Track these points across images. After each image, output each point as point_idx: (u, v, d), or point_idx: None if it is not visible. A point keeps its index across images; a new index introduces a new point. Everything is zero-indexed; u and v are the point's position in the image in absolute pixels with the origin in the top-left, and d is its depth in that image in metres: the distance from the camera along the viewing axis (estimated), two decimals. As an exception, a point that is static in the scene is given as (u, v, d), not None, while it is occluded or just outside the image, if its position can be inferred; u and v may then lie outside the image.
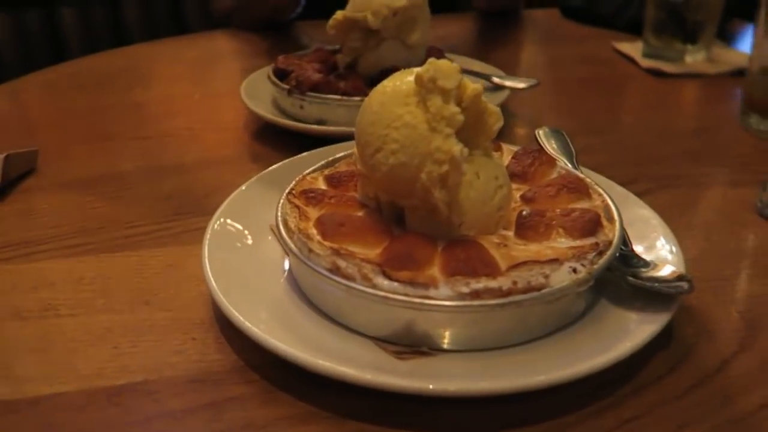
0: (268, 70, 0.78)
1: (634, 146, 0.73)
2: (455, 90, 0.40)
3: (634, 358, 0.39)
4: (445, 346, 0.38)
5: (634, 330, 0.38)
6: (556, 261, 0.38)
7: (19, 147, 0.64)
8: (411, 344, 0.38)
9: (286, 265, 0.45)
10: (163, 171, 0.67)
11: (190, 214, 0.57)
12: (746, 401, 0.37)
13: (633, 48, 1.05)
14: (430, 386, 0.34)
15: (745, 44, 1.05)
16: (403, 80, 0.42)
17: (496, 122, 0.43)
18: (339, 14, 0.74)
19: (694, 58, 0.99)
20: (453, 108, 0.39)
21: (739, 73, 0.93)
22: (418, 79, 0.40)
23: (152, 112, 0.83)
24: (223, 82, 0.92)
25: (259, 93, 0.77)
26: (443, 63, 0.40)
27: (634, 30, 1.13)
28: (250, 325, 0.38)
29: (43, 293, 0.47)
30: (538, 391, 0.35)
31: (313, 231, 0.41)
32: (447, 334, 0.37)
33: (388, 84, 0.42)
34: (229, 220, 0.49)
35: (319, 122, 0.71)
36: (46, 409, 0.37)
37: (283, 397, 0.37)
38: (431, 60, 0.40)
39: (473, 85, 0.41)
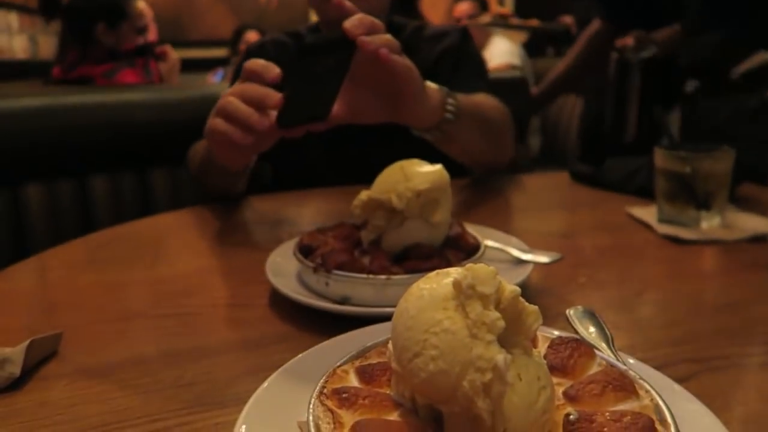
0: (292, 244, 0.80)
1: (664, 324, 0.71)
2: (494, 294, 0.39)
3: None
4: None
5: None
6: (615, 481, 0.35)
7: (40, 324, 0.64)
8: None
9: (317, 476, 0.42)
10: (186, 354, 0.65)
11: (211, 406, 0.55)
12: None
13: (647, 213, 1.07)
14: None
15: (758, 207, 1.07)
16: (440, 283, 0.41)
17: (535, 321, 0.42)
18: (364, 194, 0.76)
19: (710, 224, 1.01)
20: (493, 314, 0.39)
21: (756, 239, 0.94)
22: (456, 285, 0.40)
23: (175, 288, 0.84)
24: (248, 254, 0.93)
25: (283, 269, 0.78)
26: (480, 268, 0.40)
27: (644, 194, 1.16)
28: None
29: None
30: None
31: (350, 443, 0.39)
32: None
33: (424, 287, 0.42)
34: (253, 427, 0.46)
35: (344, 299, 0.71)
36: None
37: None
38: (469, 266, 0.40)
39: (510, 287, 0.41)
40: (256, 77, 0.91)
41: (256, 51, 1.38)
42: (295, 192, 1.26)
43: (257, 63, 0.91)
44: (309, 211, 1.19)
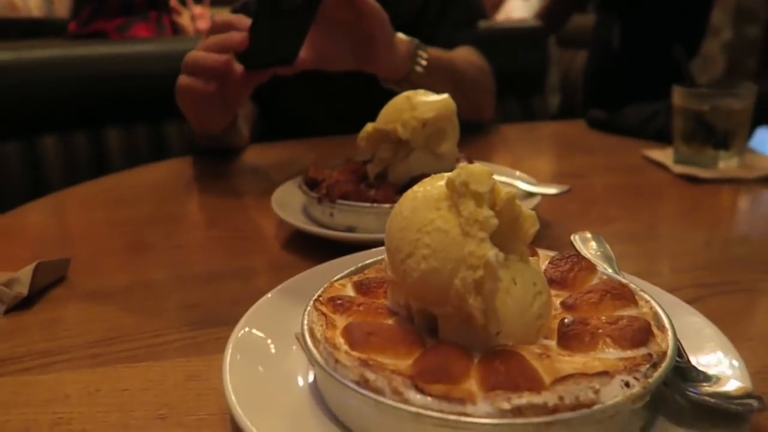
0: (298, 180, 0.80)
1: (675, 253, 0.70)
2: (488, 194, 0.39)
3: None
4: (486, 472, 0.34)
5: (700, 455, 0.34)
6: (606, 374, 0.35)
7: (51, 255, 0.65)
8: (448, 469, 0.34)
9: (311, 377, 0.43)
10: (192, 280, 0.66)
11: (215, 323, 0.55)
12: None
13: (663, 155, 1.05)
14: None
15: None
16: (434, 185, 0.41)
17: (532, 226, 0.42)
18: (369, 126, 0.75)
19: (728, 164, 0.98)
20: (486, 212, 0.38)
21: (775, 178, 0.92)
22: (450, 183, 0.39)
23: (185, 222, 0.84)
24: (255, 193, 0.93)
25: (289, 203, 0.78)
26: (475, 167, 0.39)
27: (662, 139, 1.13)
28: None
29: (56, 407, 0.45)
30: None
31: (341, 340, 0.39)
32: (488, 457, 0.34)
33: (418, 189, 0.41)
34: (253, 330, 0.47)
35: (349, 230, 0.71)
36: None
37: None
38: (462, 164, 0.40)
39: (506, 189, 0.40)
40: (224, 28, 0.89)
41: (240, 10, 1.36)
42: (306, 139, 1.25)
43: (225, 15, 0.90)
44: (317, 156, 1.19)
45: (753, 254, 0.68)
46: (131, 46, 1.78)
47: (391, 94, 0.77)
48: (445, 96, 0.75)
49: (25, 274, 0.61)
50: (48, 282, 0.64)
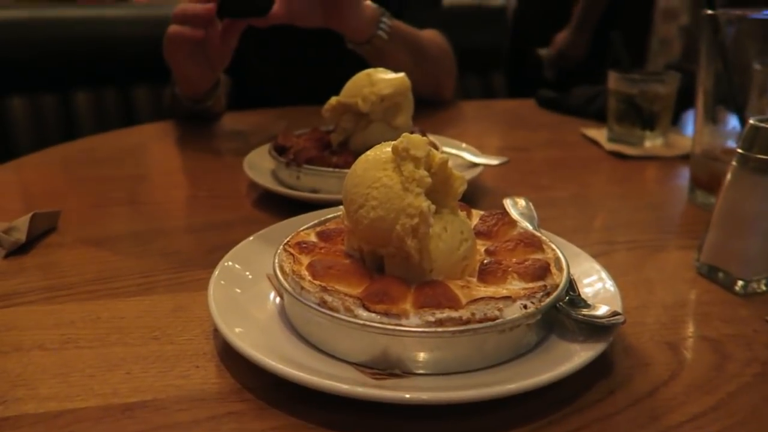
0: (268, 146, 0.88)
1: (593, 217, 0.82)
2: (425, 158, 0.48)
3: (578, 384, 0.45)
4: (416, 369, 0.44)
5: (576, 357, 0.45)
6: (509, 298, 0.46)
7: (39, 208, 0.72)
8: (386, 368, 0.44)
9: (279, 303, 0.52)
10: (174, 231, 0.75)
11: (197, 267, 0.64)
12: (671, 418, 0.43)
13: (598, 134, 1.16)
14: (407, 396, 0.41)
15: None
16: (383, 150, 0.50)
17: (461, 185, 0.52)
18: (333, 100, 0.84)
19: (653, 143, 1.10)
20: (422, 172, 0.48)
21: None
22: (394, 148, 0.49)
23: (162, 182, 0.92)
24: (229, 157, 1.01)
25: (260, 166, 0.87)
26: (415, 136, 0.49)
27: (600, 119, 1.25)
28: (245, 346, 0.44)
29: (64, 329, 0.53)
30: (497, 406, 0.42)
31: (305, 272, 0.49)
32: (416, 357, 0.44)
33: (370, 153, 0.51)
34: (235, 264, 0.57)
35: (313, 191, 0.80)
36: (67, 421, 0.42)
37: (274, 412, 0.43)
38: (405, 134, 0.49)
39: (440, 155, 0.50)
40: None
41: None
42: (276, 108, 1.33)
43: None
44: (286, 124, 1.27)
45: (658, 219, 0.81)
46: (101, 9, 1.80)
47: (354, 71, 0.85)
48: (402, 75, 0.84)
49: (23, 222, 0.69)
50: (42, 231, 0.72)
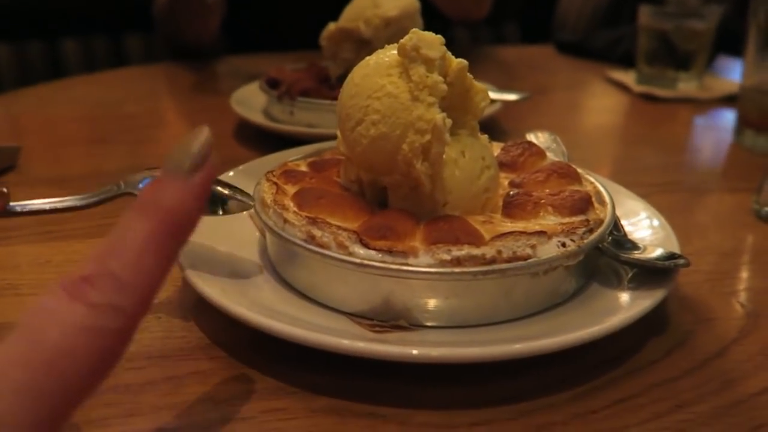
0: (259, 82, 0.78)
1: (627, 158, 0.72)
2: (439, 60, 0.39)
3: (629, 341, 0.37)
4: (425, 321, 0.35)
5: (625, 308, 0.36)
6: (544, 233, 0.36)
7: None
8: (388, 319, 0.36)
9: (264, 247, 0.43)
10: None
11: (169, 208, 0.55)
12: (747, 384, 0.34)
13: (626, 76, 1.05)
14: (414, 351, 0.32)
15: (735, 75, 1.05)
16: (387, 53, 0.41)
17: (483, 100, 0.42)
18: (331, 25, 0.74)
19: (687, 86, 0.99)
20: (436, 77, 0.38)
21: (730, 99, 0.94)
22: (401, 48, 0.39)
23: (143, 121, 0.82)
24: (216, 98, 0.91)
25: (250, 104, 0.77)
26: (427, 33, 0.39)
27: (627, 63, 1.14)
28: (214, 292, 0.35)
29: (7, 274, 0.45)
30: (527, 368, 0.33)
31: (290, 203, 0.40)
32: (426, 305, 0.35)
33: (371, 57, 0.41)
34: (206, 202, 0.47)
35: (309, 127, 0.70)
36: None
37: (249, 373, 0.35)
38: (414, 30, 0.39)
39: (458, 59, 0.40)
40: None
41: None
42: (270, 52, 1.22)
43: None
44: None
45: (702, 162, 0.71)
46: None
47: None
48: (410, -5, 0.73)
49: (-25, 157, 0.60)
50: (0, 167, 0.63)
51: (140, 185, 0.47)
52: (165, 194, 0.23)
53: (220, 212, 0.40)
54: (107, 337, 0.21)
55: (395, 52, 0.40)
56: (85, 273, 0.21)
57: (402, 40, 0.39)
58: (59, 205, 0.53)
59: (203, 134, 0.25)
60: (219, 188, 0.39)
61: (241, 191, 0.40)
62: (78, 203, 0.53)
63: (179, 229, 0.23)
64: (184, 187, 0.23)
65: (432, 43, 0.39)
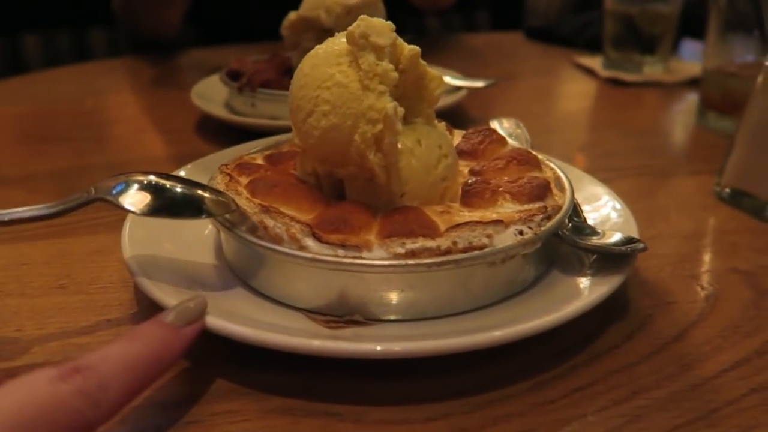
0: (220, 74, 0.76)
1: (594, 143, 0.72)
2: (389, 48, 0.38)
3: (589, 328, 0.36)
4: (382, 315, 0.35)
5: (584, 294, 0.35)
6: (500, 222, 0.36)
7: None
8: (344, 314, 0.35)
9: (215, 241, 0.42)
10: (105, 168, 0.63)
11: (125, 206, 0.54)
12: (704, 368, 0.34)
13: (593, 62, 1.05)
14: (376, 347, 0.31)
15: (699, 58, 1.06)
16: (336, 41, 0.40)
17: (438, 87, 0.41)
18: (292, 14, 0.72)
19: (653, 69, 1.00)
20: (386, 65, 0.37)
21: (695, 83, 0.94)
22: (350, 36, 0.38)
23: (101, 117, 0.80)
24: (178, 92, 0.89)
25: (211, 97, 0.75)
26: (376, 20, 0.38)
27: (595, 47, 1.14)
28: (161, 293, 0.34)
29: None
30: (487, 358, 0.33)
31: (243, 190, 0.38)
32: (382, 299, 0.34)
33: (321, 47, 0.40)
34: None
35: (271, 119, 0.69)
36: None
37: (201, 374, 0.34)
38: (363, 17, 0.38)
39: (411, 46, 0.39)
40: None
41: None
42: (230, 45, 1.19)
43: None
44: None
45: (663, 143, 0.71)
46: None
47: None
48: (371, -18, 0.72)
49: None
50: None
51: (114, 191, 0.45)
52: (161, 334, 0.30)
53: (203, 216, 0.38)
54: (81, 420, 0.24)
55: (344, 39, 0.39)
56: (78, 365, 0.26)
57: (350, 27, 0.38)
58: (26, 215, 0.50)
59: (200, 300, 0.32)
60: (199, 191, 0.38)
61: (221, 192, 0.38)
62: (47, 212, 0.50)
63: (163, 362, 0.29)
64: (176, 335, 0.30)
65: (381, 30, 0.38)
